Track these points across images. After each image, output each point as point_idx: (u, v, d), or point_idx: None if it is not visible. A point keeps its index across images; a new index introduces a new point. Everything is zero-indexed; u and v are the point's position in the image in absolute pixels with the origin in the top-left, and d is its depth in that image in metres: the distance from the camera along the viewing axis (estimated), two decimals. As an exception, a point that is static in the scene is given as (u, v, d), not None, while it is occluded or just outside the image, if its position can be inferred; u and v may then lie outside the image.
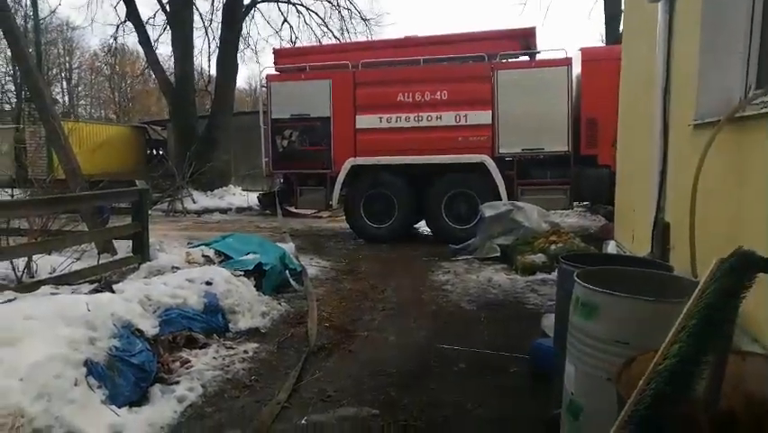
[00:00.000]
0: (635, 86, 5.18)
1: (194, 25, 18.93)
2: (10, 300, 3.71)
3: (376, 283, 6.57)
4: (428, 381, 3.73)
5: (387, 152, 9.63)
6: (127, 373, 3.26)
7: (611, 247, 5.74)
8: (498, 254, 7.66)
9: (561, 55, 9.27)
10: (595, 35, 41.72)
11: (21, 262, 5.57)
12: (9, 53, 23.11)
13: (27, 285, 4.79)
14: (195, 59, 19.33)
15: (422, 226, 10.55)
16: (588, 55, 9.15)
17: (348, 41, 19.89)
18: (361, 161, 9.80)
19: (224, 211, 15.32)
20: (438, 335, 4.68)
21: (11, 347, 2.94)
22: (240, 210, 15.35)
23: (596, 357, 2.38)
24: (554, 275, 4.99)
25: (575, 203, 10.11)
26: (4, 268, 5.49)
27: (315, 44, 19.57)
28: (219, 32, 19.02)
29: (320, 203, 10.55)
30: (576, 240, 7.27)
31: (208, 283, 4.81)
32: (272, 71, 10.70)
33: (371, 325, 5.01)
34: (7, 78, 32.79)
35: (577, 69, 9.18)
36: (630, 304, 2.18)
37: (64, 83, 40.20)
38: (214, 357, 4.06)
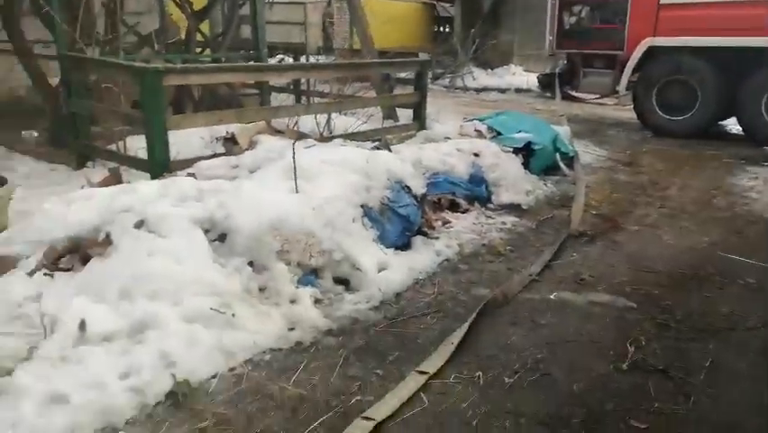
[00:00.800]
0: None
1: None
2: (311, 146, 4.32)
3: (657, 179, 5.88)
4: (702, 287, 3.30)
5: (695, 31, 8.07)
6: (395, 220, 3.60)
7: None
8: (833, 164, 6.11)
9: None
10: None
11: (322, 122, 6.45)
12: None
13: (325, 138, 5.53)
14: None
15: (729, 124, 8.91)
16: None
17: None
18: (661, 41, 8.44)
19: (502, 90, 15.17)
20: (726, 243, 4.04)
21: (308, 183, 3.47)
22: (518, 91, 15.00)
23: None
24: None
25: None
26: (311, 123, 6.45)
27: None
28: None
29: (605, 87, 9.57)
30: None
31: (476, 155, 4.94)
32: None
33: (644, 220, 4.56)
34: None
35: None
36: None
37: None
38: (473, 223, 4.24)
